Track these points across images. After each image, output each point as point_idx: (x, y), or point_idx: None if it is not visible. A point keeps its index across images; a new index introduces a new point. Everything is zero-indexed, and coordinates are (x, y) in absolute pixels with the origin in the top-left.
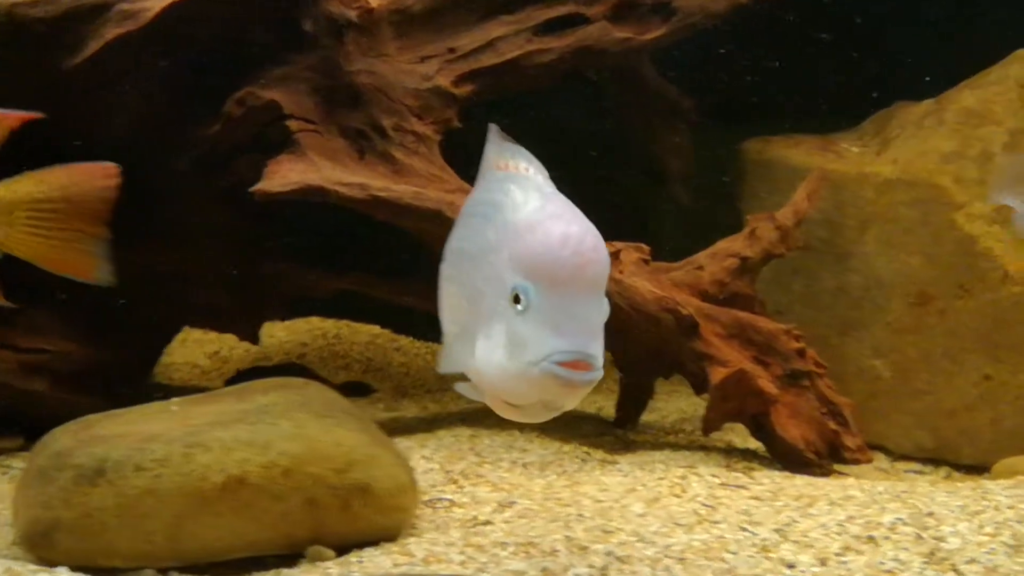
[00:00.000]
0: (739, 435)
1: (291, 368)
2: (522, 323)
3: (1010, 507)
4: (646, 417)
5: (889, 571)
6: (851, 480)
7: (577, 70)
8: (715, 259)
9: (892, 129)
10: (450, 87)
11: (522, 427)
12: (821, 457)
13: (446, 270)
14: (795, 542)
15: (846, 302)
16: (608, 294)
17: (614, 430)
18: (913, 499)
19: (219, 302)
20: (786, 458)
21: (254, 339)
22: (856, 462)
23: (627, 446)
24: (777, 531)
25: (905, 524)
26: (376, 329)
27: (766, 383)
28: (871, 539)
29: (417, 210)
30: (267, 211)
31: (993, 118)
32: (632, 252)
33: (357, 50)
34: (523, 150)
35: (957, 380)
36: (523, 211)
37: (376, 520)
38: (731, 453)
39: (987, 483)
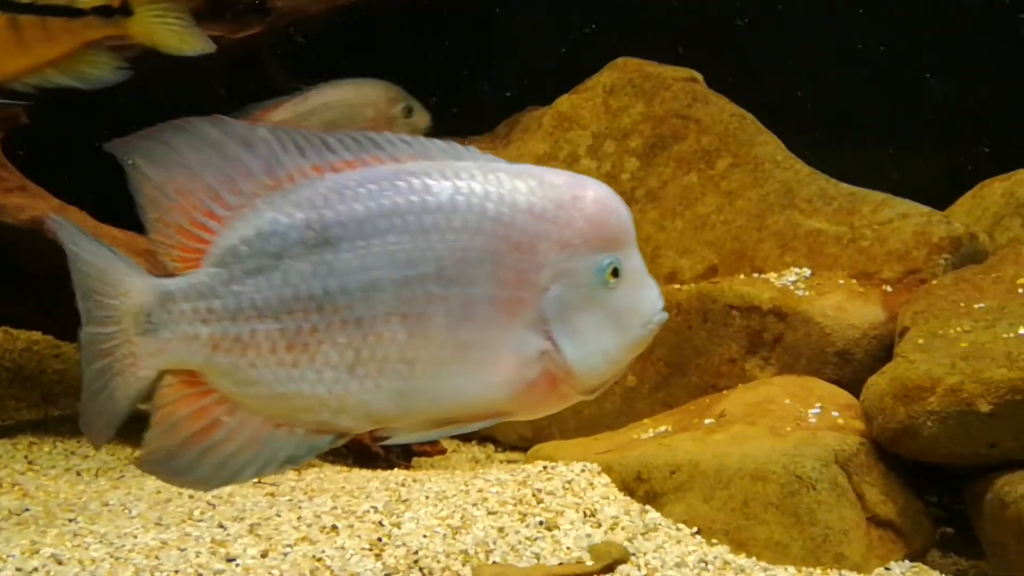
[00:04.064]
0: None
1: None
2: (621, 295)
3: (480, 491)
4: None
5: (319, 559)
6: (386, 474)
7: (173, 66)
8: None
9: (516, 132)
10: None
11: None
12: (389, 451)
13: (368, 308)
14: (259, 535)
15: None
16: None
17: None
18: (407, 487)
19: None
20: (357, 454)
21: None
22: (425, 454)
23: None
24: (252, 525)
25: (377, 512)
26: (36, 335)
27: None
28: (335, 528)
29: None
30: None
31: (581, 122)
32: None
33: None
34: (360, 135)
35: None
36: (515, 194)
37: None
38: None
39: (492, 469)
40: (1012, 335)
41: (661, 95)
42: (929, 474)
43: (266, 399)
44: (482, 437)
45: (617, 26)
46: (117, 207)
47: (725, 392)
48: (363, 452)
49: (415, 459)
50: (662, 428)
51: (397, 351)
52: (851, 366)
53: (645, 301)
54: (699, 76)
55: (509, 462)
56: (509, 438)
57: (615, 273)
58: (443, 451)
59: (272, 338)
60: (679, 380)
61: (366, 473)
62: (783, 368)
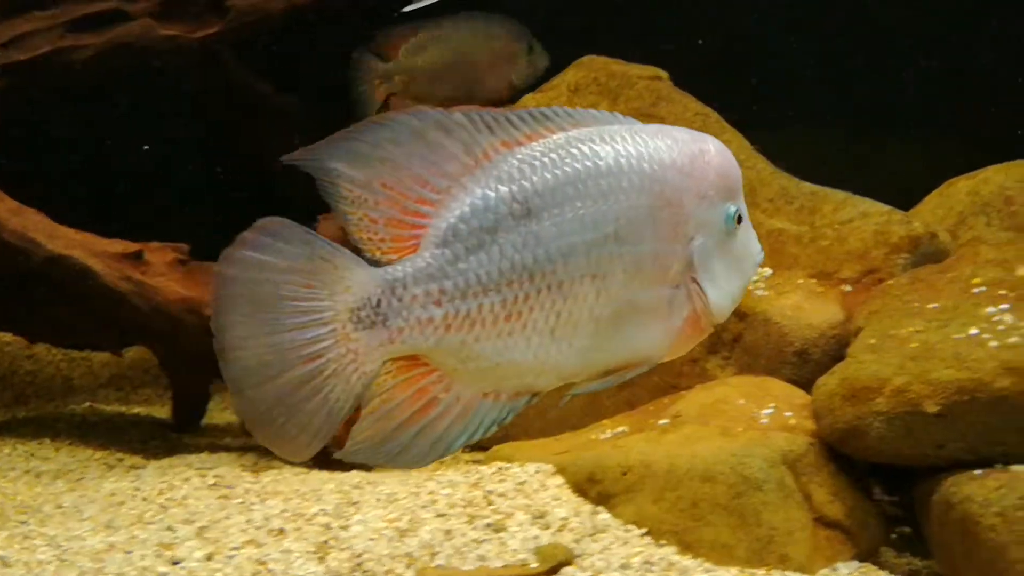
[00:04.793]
0: None
1: None
2: (738, 240)
3: (431, 493)
4: (229, 419)
5: (263, 563)
6: (343, 475)
7: (130, 68)
8: None
9: None
10: None
11: (54, 436)
12: None
13: (570, 271)
14: (206, 538)
15: None
16: (125, 295)
17: (170, 434)
18: (360, 490)
19: None
20: (316, 456)
21: None
22: None
23: (172, 450)
24: (201, 528)
25: (325, 515)
26: (8, 336)
27: None
28: (282, 531)
29: None
30: None
31: None
32: (166, 253)
33: None
34: (535, 111)
35: None
36: (659, 152)
37: None
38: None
39: (448, 471)
40: (963, 335)
41: (626, 94)
42: (889, 474)
43: (484, 371)
44: None
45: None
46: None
47: (683, 392)
48: (322, 454)
49: None
50: (620, 428)
51: (587, 311)
52: (809, 366)
53: (753, 243)
54: (664, 74)
55: (475, 462)
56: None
57: (739, 220)
58: None
59: (495, 311)
60: (642, 379)
61: (323, 475)
62: (743, 368)
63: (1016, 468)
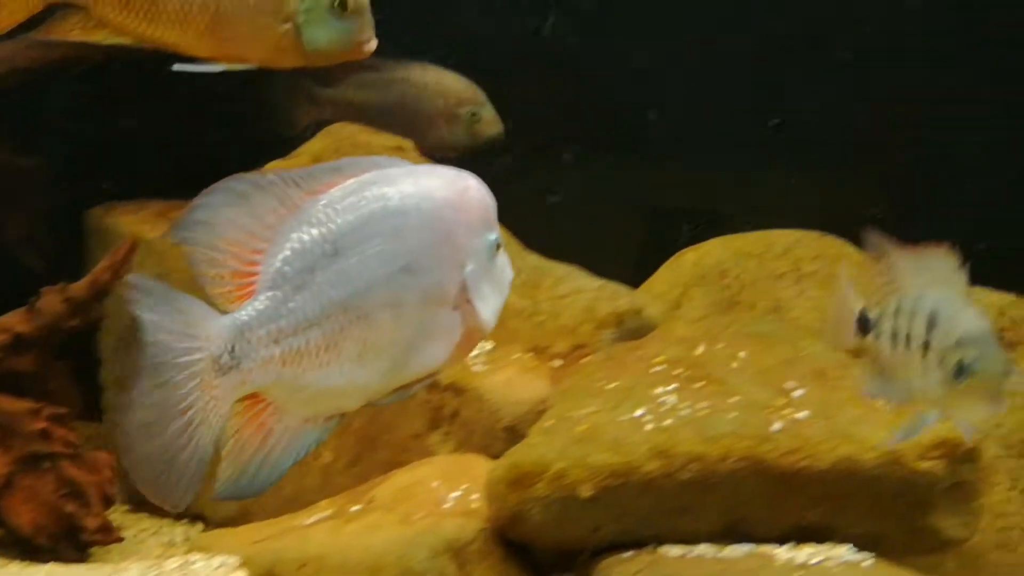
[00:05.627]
0: None
1: None
2: (498, 264)
3: None
4: None
5: None
6: (32, 570)
7: None
8: None
9: None
10: None
11: None
12: (57, 541)
13: (374, 310)
14: None
15: None
16: None
17: None
18: None
19: None
20: (20, 546)
21: None
22: (98, 543)
23: None
24: None
25: None
26: None
27: None
28: None
29: None
30: None
31: None
32: None
33: None
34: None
35: None
36: (435, 191)
37: None
38: None
39: (131, 564)
40: (627, 417)
41: None
42: None
43: (308, 399)
44: (193, 516)
45: None
46: None
47: (391, 472)
48: (25, 543)
49: (92, 548)
50: (328, 512)
51: (387, 336)
52: (518, 442)
53: (507, 266)
54: (408, 144)
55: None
56: (218, 514)
57: (498, 247)
58: (119, 539)
59: (318, 344)
60: (371, 456)
61: (14, 568)
62: (461, 443)
63: (663, 549)
